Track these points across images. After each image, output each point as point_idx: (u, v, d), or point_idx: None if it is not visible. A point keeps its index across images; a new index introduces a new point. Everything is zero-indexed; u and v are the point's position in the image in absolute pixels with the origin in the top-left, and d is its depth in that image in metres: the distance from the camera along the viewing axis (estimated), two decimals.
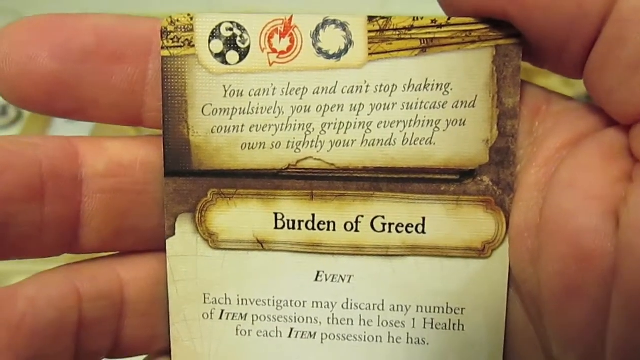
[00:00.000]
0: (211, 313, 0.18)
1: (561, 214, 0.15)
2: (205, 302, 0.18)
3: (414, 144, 0.17)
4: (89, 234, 0.17)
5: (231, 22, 0.16)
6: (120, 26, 0.16)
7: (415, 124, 0.17)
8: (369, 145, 0.17)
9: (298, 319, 0.18)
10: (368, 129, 0.17)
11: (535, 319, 0.16)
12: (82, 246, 0.17)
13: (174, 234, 0.17)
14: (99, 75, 0.16)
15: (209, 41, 0.17)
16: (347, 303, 0.18)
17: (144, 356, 0.19)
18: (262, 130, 0.17)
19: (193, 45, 0.16)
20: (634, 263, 0.14)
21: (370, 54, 0.16)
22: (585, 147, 0.16)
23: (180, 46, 0.17)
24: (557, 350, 0.16)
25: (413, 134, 0.17)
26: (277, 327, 0.18)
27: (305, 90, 0.17)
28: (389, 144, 0.17)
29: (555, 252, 0.15)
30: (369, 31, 0.16)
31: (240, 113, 0.17)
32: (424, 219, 0.17)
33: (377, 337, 0.18)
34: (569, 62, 0.15)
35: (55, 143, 0.16)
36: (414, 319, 0.18)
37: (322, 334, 0.18)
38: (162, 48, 0.16)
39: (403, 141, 0.17)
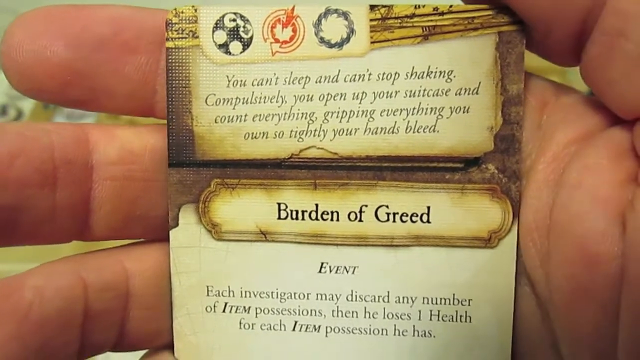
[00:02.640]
0: (214, 306, 0.18)
1: (569, 216, 0.15)
2: (208, 295, 0.18)
3: (418, 132, 0.17)
4: (99, 221, 0.17)
5: (234, 13, 0.17)
6: (135, 17, 0.17)
7: (418, 111, 0.16)
8: (372, 133, 0.17)
9: (302, 312, 0.18)
10: (371, 117, 0.17)
11: (546, 318, 0.16)
12: (92, 233, 0.17)
13: (177, 224, 0.17)
14: (113, 65, 0.16)
15: (213, 32, 0.17)
16: (352, 295, 0.17)
17: (145, 351, 0.19)
18: (265, 119, 0.17)
19: (197, 37, 0.17)
20: None
21: (372, 43, 0.16)
22: (592, 147, 0.15)
23: (185, 37, 0.17)
24: (566, 351, 0.16)
25: (416, 122, 0.16)
26: (280, 320, 0.18)
27: (307, 79, 0.17)
28: (393, 132, 0.17)
29: (563, 255, 0.15)
30: (371, 20, 0.16)
31: (243, 103, 0.17)
32: (428, 208, 0.17)
33: (382, 330, 0.17)
34: (557, 47, 0.15)
35: (68, 129, 0.16)
36: (420, 311, 0.17)
37: (326, 327, 0.18)
38: (167, 40, 0.17)
39: (406, 129, 0.17)
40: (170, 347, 0.18)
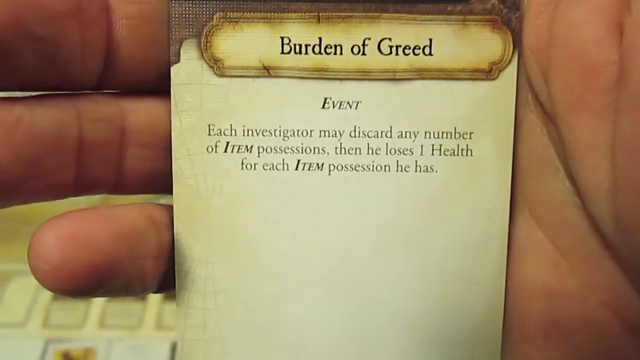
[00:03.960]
0: (216, 146, 0.18)
1: (568, 26, 0.15)
2: (209, 134, 0.18)
3: None
4: (119, 63, 0.17)
5: None
6: None
7: None
8: None
9: (305, 150, 0.18)
10: None
11: (556, 138, 0.16)
12: (113, 77, 0.17)
13: (179, 60, 0.17)
14: None
15: None
16: (355, 131, 0.17)
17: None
18: None
19: None
20: (639, 61, 0.14)
21: None
22: None
23: None
24: (572, 166, 0.16)
25: None
26: (283, 159, 0.18)
27: None
28: None
29: (562, 66, 0.15)
30: None
31: None
32: (430, 40, 0.17)
33: (385, 166, 0.18)
34: None
35: None
36: (422, 146, 0.17)
37: (329, 165, 0.18)
38: None
39: None
40: (169, 193, 0.18)
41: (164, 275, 0.18)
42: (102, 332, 0.63)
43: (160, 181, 0.18)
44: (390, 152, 0.18)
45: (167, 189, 0.18)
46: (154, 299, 0.66)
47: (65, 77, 0.16)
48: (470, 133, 0.17)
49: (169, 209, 0.18)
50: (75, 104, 0.16)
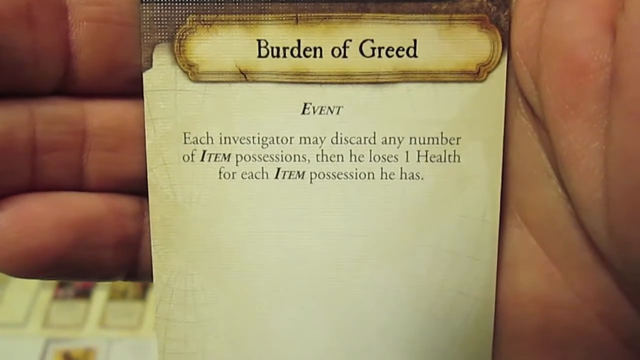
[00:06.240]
0: (192, 155, 0.17)
1: (559, 27, 0.15)
2: (185, 143, 0.17)
3: None
4: (80, 66, 0.16)
5: None
6: None
7: None
8: None
9: (285, 158, 0.17)
10: None
11: (543, 145, 0.16)
12: (75, 82, 0.16)
13: (151, 66, 0.16)
14: None
15: None
16: (337, 137, 0.17)
17: None
18: None
19: None
20: (633, 64, 0.13)
21: None
22: None
23: None
24: (563, 173, 0.15)
25: None
26: (263, 168, 0.17)
27: None
28: None
29: (553, 68, 0.15)
30: None
31: None
32: (415, 41, 0.16)
33: (369, 173, 0.17)
34: None
35: None
36: (407, 152, 0.17)
37: (311, 173, 0.17)
38: None
39: None
40: (140, 195, 0.17)
41: (134, 264, 0.18)
42: (102, 332, 0.63)
43: (131, 185, 0.17)
44: (374, 159, 0.17)
45: (140, 193, 0.17)
46: (154, 299, 0.66)
47: (17, 81, 0.15)
48: (458, 138, 0.17)
49: (142, 201, 0.18)
50: (30, 107, 0.16)
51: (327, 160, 0.17)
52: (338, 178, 0.17)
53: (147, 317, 0.65)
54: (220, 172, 0.17)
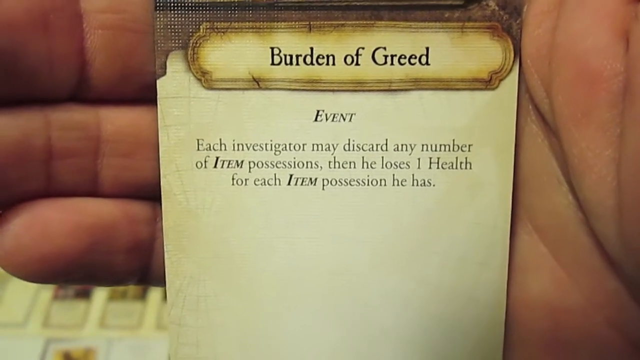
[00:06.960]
0: (205, 161, 0.17)
1: (571, 35, 0.15)
2: (198, 149, 0.17)
3: None
4: (95, 74, 0.16)
5: None
6: None
7: None
8: None
9: (297, 164, 0.17)
10: None
11: (555, 152, 0.16)
12: (90, 89, 0.16)
13: (165, 73, 0.16)
14: None
15: None
16: (349, 144, 0.17)
17: None
18: None
19: None
20: None
21: None
22: None
23: None
24: (574, 181, 0.15)
25: None
26: (275, 174, 0.17)
27: None
28: None
29: (565, 76, 0.15)
30: None
31: None
32: (427, 49, 0.16)
33: (381, 180, 0.17)
34: None
35: None
36: (419, 159, 0.17)
37: (323, 180, 0.17)
38: None
39: None
40: (153, 200, 0.18)
41: (147, 269, 0.18)
42: (102, 332, 0.63)
43: (144, 191, 0.17)
44: (386, 165, 0.17)
45: (153, 199, 0.17)
46: (154, 299, 0.66)
47: (32, 87, 0.15)
48: (469, 145, 0.17)
49: (155, 206, 0.18)
50: (45, 113, 0.16)
51: (339, 167, 0.17)
52: (350, 185, 0.17)
53: (147, 317, 0.64)
54: (233, 179, 0.17)
